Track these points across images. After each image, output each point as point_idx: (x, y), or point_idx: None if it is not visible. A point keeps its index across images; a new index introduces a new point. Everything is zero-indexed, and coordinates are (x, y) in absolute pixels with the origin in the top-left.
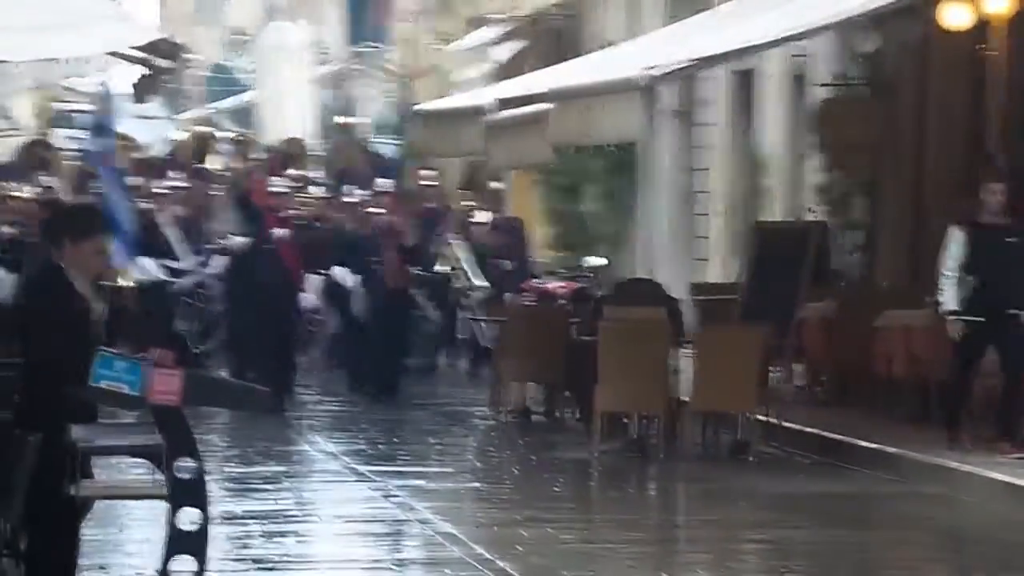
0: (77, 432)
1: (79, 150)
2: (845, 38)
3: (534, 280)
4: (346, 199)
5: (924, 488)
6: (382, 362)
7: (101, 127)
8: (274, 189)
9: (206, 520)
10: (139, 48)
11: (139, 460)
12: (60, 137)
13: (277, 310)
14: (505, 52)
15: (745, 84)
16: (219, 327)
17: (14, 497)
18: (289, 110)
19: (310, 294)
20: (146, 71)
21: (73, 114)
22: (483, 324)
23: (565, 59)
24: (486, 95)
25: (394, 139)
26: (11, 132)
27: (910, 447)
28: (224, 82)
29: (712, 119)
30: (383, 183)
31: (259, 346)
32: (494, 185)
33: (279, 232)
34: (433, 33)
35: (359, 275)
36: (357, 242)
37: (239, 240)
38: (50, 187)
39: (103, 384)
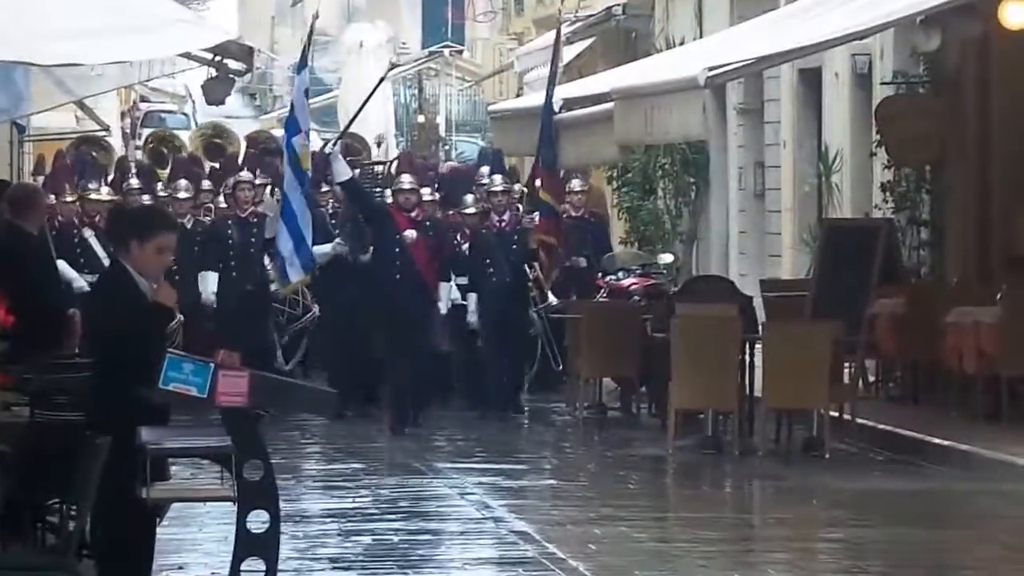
0: (146, 435)
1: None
2: (907, 36)
3: (607, 277)
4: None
5: (999, 486)
6: (504, 380)
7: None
8: (403, 187)
9: (276, 522)
10: (209, 50)
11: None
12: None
13: (410, 320)
14: (575, 52)
15: (811, 82)
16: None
17: (86, 499)
18: (370, 108)
19: (443, 303)
20: (214, 72)
21: (162, 114)
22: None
23: (634, 59)
24: (556, 95)
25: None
26: (101, 132)
27: (983, 444)
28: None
29: (780, 117)
30: (497, 180)
31: (392, 362)
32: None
33: (410, 234)
34: (506, 33)
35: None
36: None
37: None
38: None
39: (171, 386)
